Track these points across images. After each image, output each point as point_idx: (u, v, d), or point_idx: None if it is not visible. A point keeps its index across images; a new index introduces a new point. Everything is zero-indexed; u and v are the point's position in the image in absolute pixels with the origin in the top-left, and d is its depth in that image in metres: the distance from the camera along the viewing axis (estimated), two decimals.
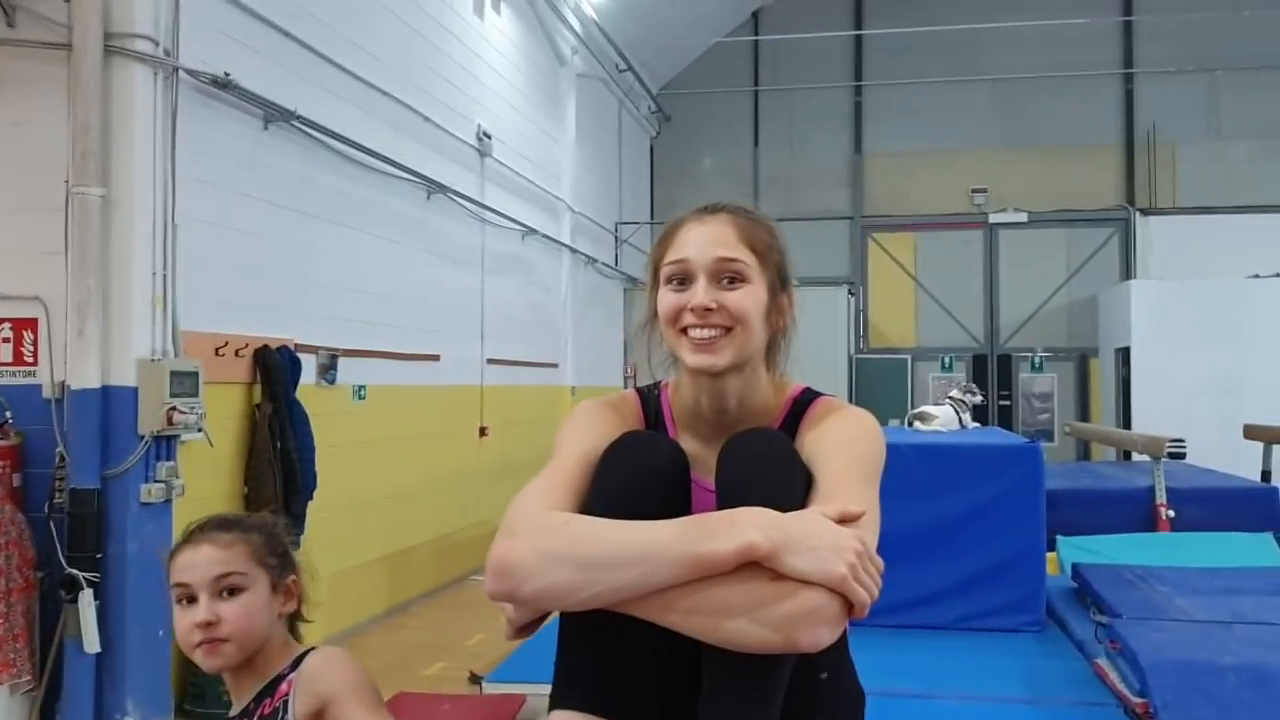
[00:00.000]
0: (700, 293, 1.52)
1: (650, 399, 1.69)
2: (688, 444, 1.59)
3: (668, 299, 1.56)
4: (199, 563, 1.69)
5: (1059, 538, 5.30)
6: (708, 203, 1.63)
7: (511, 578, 1.35)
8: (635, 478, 1.46)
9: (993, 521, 4.33)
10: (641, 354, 1.67)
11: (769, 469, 1.43)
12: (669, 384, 1.69)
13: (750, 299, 1.53)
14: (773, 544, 1.28)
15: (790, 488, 1.42)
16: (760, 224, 1.60)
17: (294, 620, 1.81)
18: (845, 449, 1.49)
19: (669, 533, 1.33)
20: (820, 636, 1.29)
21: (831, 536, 1.30)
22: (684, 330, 1.54)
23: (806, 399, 1.63)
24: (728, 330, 1.52)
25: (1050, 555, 4.94)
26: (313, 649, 1.75)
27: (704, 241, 1.55)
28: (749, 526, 1.30)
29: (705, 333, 1.52)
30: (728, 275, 1.53)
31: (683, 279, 1.55)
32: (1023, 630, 4.32)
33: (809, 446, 1.52)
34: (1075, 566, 4.60)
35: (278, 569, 1.74)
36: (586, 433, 1.57)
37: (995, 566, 4.35)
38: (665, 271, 1.57)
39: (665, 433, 1.64)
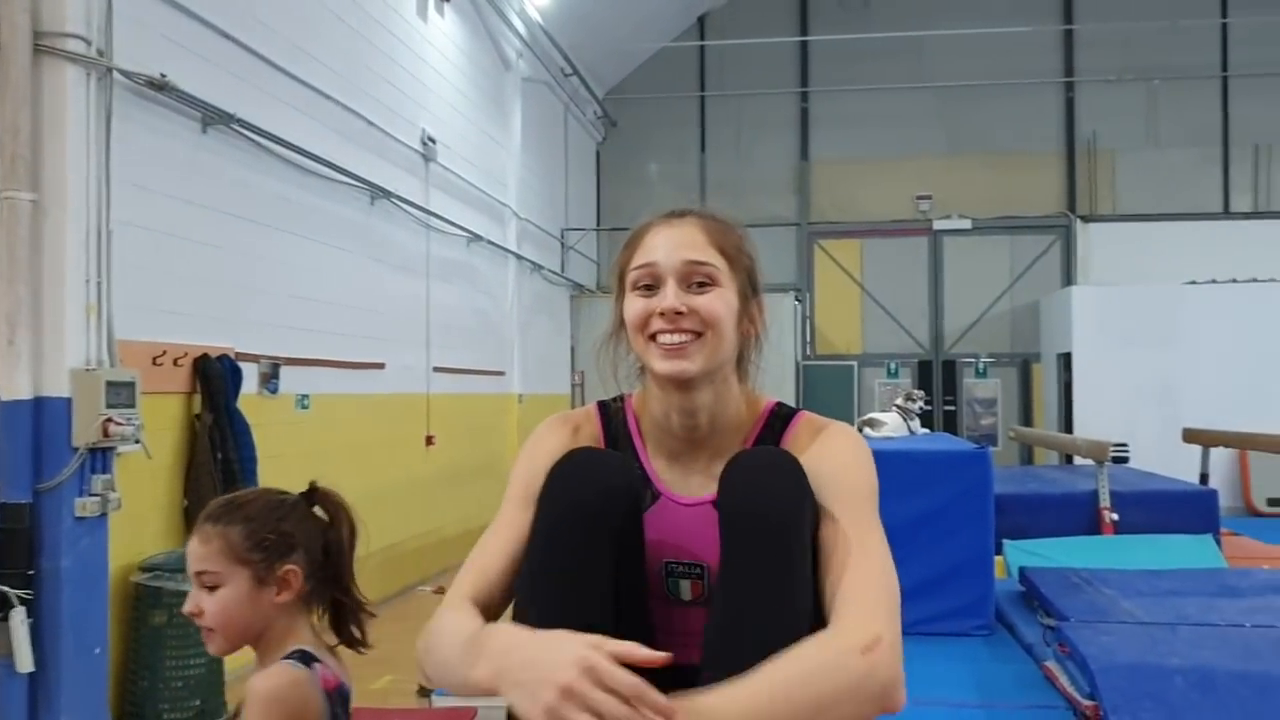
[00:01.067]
0: (669, 296, 1.47)
1: (614, 414, 1.64)
2: (655, 460, 1.59)
3: (635, 305, 1.51)
4: (188, 555, 1.72)
5: (1005, 542, 5.35)
6: (674, 208, 1.59)
7: (421, 666, 1.46)
8: (585, 499, 1.42)
9: (942, 527, 4.35)
10: (607, 367, 1.62)
11: (779, 492, 1.41)
12: (633, 397, 1.65)
13: (721, 302, 1.49)
14: (493, 676, 1.26)
15: (800, 511, 1.40)
16: (730, 229, 1.56)
17: (319, 601, 1.76)
18: (849, 482, 1.47)
19: (461, 653, 1.34)
20: None
21: (544, 668, 1.19)
22: (653, 336, 1.49)
23: (784, 414, 1.60)
24: (698, 335, 1.47)
25: (997, 559, 4.97)
26: (298, 651, 1.68)
27: (672, 244, 1.51)
28: (486, 656, 1.29)
29: (675, 338, 1.47)
30: (698, 279, 1.49)
31: (650, 284, 1.50)
32: (972, 634, 4.35)
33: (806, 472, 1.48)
34: (1022, 570, 4.64)
35: (263, 562, 1.68)
36: (542, 460, 1.52)
37: (945, 572, 4.38)
38: (632, 276, 1.52)
39: (632, 449, 1.60)
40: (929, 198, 13.71)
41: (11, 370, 4.13)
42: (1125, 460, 5.71)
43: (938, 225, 13.69)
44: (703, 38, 14.00)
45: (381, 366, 7.24)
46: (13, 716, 4.10)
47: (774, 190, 14.01)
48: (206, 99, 5.17)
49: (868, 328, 13.94)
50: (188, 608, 1.70)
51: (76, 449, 4.22)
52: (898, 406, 6.39)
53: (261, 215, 5.82)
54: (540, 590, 1.42)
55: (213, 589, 1.68)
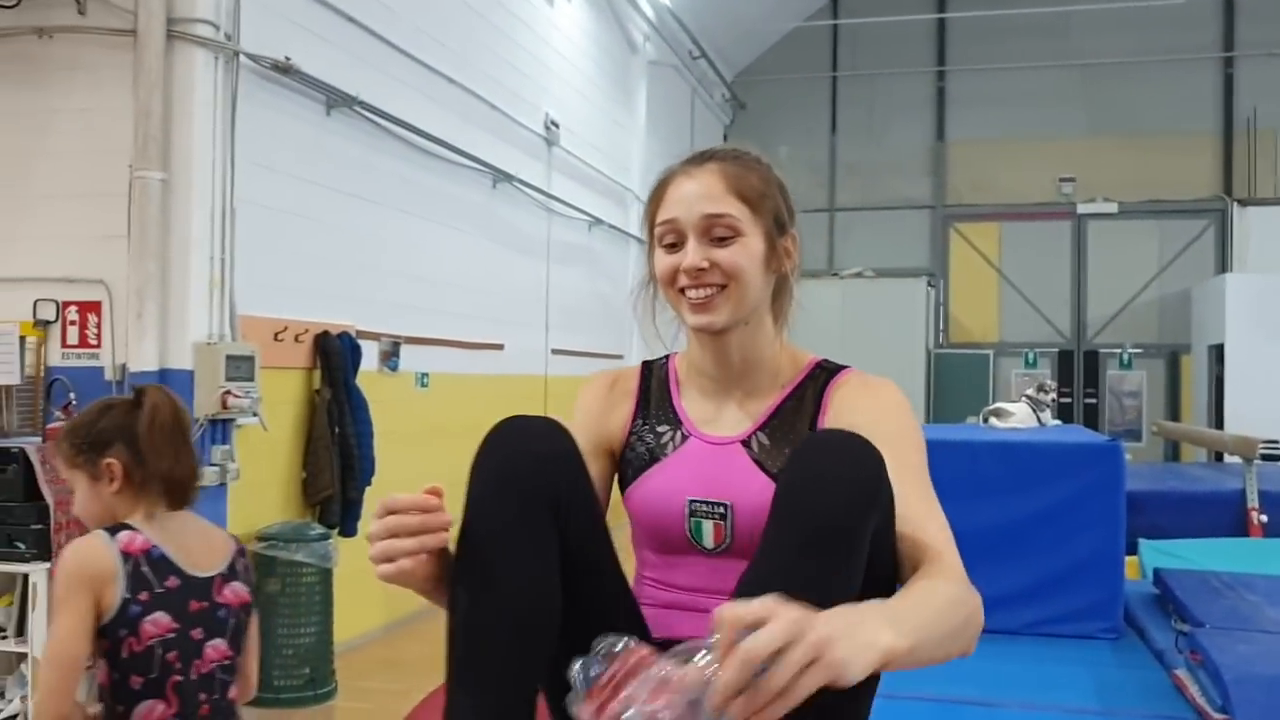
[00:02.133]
0: (691, 253, 1.48)
1: (654, 369, 1.70)
2: (688, 399, 1.62)
3: (663, 261, 1.53)
4: None
5: (1141, 541, 5.12)
6: (699, 149, 1.58)
7: None
8: (512, 468, 1.34)
9: (1069, 523, 4.18)
10: (646, 315, 1.64)
11: (850, 494, 1.25)
12: (678, 355, 1.70)
13: (743, 254, 1.49)
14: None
15: (868, 515, 1.25)
16: (750, 169, 1.53)
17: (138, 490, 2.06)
18: (900, 426, 1.47)
19: None
20: None
21: None
22: (681, 290, 1.51)
23: (831, 368, 1.60)
24: (722, 288, 1.49)
25: (1131, 559, 4.75)
26: (113, 525, 2.03)
27: (691, 198, 1.50)
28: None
29: (701, 292, 1.49)
30: (718, 231, 1.49)
31: (674, 240, 1.51)
32: (1098, 637, 4.15)
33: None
34: (1157, 571, 4.41)
35: (87, 462, 2.05)
36: (579, 417, 1.64)
37: (1070, 570, 4.20)
38: (658, 231, 1.54)
39: (665, 395, 1.65)
40: (1072, 180, 13.14)
41: (139, 343, 4.29)
42: (1278, 458, 5.38)
43: (1081, 209, 13.11)
44: (836, 17, 13.71)
45: (500, 348, 7.30)
46: None
47: (908, 172, 13.64)
48: (330, 81, 5.27)
49: (1005, 315, 13.45)
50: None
51: (197, 420, 4.35)
52: (1027, 397, 6.13)
53: (383, 196, 5.91)
54: (465, 568, 1.32)
55: (73, 492, 2.11)
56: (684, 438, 1.58)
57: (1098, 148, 13.06)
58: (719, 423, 1.58)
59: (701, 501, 1.50)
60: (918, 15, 13.23)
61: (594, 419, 1.63)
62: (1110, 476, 4.27)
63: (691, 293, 1.49)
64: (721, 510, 1.49)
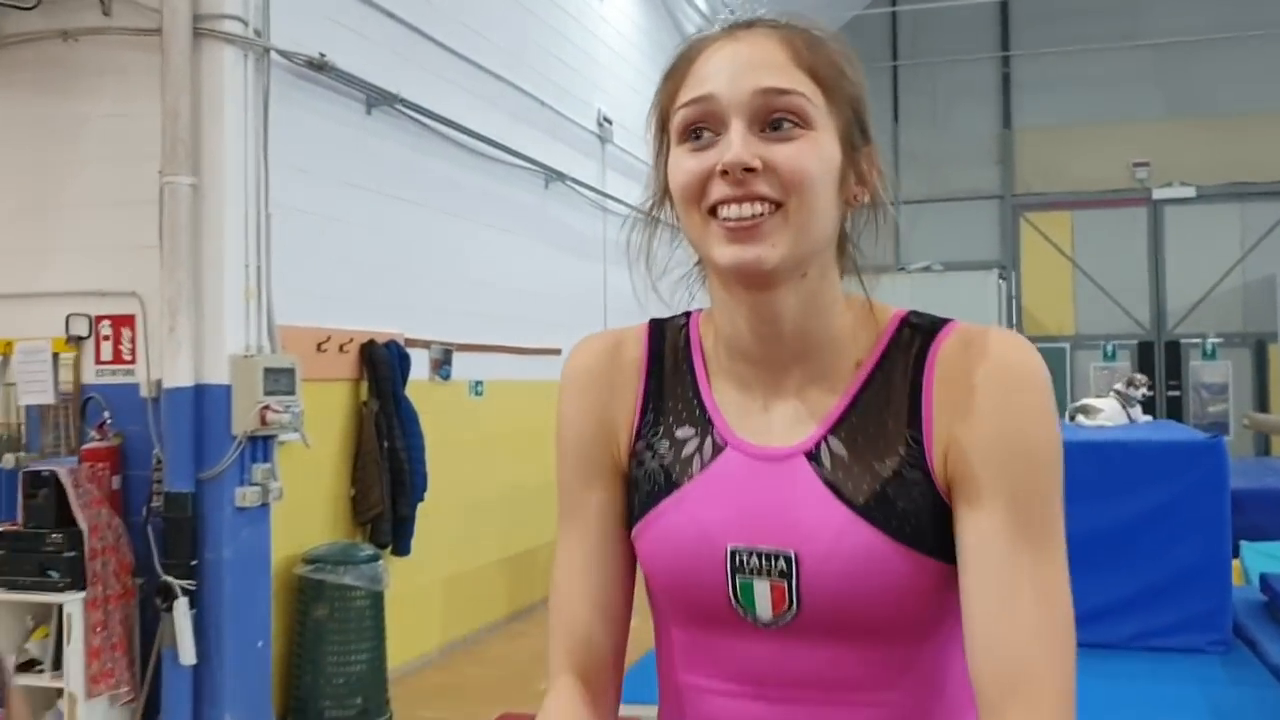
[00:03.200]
0: (736, 143, 0.95)
1: (668, 334, 1.14)
2: (721, 392, 1.08)
3: (684, 163, 0.99)
4: None
5: (1243, 543, 4.87)
6: (742, 15, 1.06)
7: None
8: None
9: (1170, 527, 3.98)
10: (642, 267, 1.12)
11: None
12: (701, 313, 1.16)
13: (813, 154, 0.97)
14: None
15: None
16: (824, 40, 1.03)
17: None
18: (1033, 459, 0.96)
19: None
20: None
21: None
22: (712, 210, 0.97)
23: (926, 325, 1.05)
24: (778, 206, 0.96)
25: (1234, 564, 4.45)
26: None
27: (738, 66, 0.98)
28: None
29: (746, 209, 0.95)
30: (778, 116, 0.97)
31: (706, 126, 0.98)
32: (1206, 651, 3.94)
33: (956, 434, 0.98)
34: (1264, 577, 4.19)
35: None
36: (575, 419, 1.14)
37: (1174, 578, 4.02)
38: (678, 119, 1.00)
39: (689, 377, 1.11)
40: (1147, 165, 12.61)
41: (174, 358, 4.09)
42: None
43: (1157, 194, 12.59)
44: (895, 3, 13.31)
45: (558, 352, 7.05)
46: (178, 709, 4.07)
47: (974, 161, 13.18)
48: (370, 79, 5.05)
49: (1081, 307, 12.95)
50: None
51: (236, 437, 4.14)
52: (1116, 392, 5.76)
53: (429, 198, 5.69)
54: None
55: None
56: (717, 448, 1.06)
57: (1173, 130, 12.54)
58: (769, 424, 1.05)
59: (750, 551, 1.03)
60: None
61: (590, 434, 1.12)
62: (1213, 476, 4.06)
63: (730, 209, 0.95)
64: (784, 564, 1.02)
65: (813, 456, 1.02)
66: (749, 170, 0.94)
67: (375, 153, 5.21)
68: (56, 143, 4.37)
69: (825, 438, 1.02)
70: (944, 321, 1.05)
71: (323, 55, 4.67)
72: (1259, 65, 12.24)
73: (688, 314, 1.16)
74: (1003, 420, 0.96)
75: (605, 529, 1.11)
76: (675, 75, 1.03)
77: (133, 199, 4.25)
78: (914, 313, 1.08)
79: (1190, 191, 12.49)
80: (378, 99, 5.15)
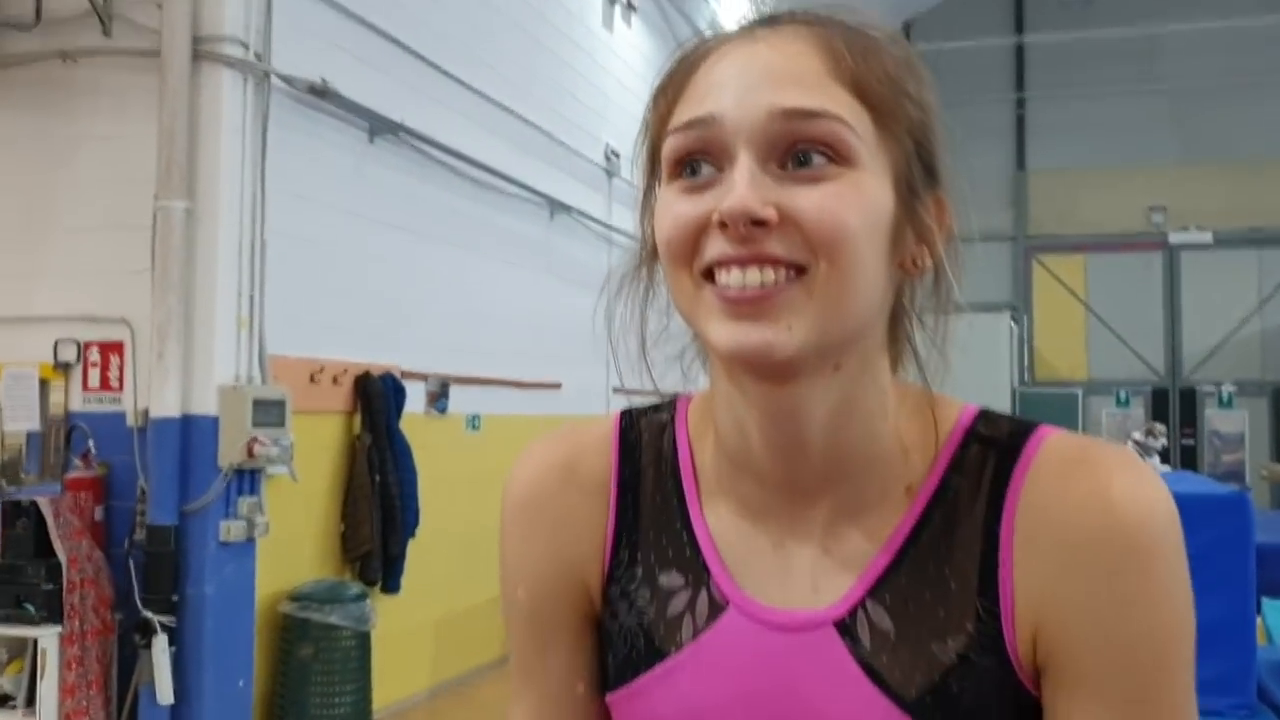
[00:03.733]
0: (741, 185, 0.69)
1: (645, 432, 0.88)
2: (719, 525, 0.82)
3: (673, 208, 0.73)
4: None
5: (1265, 601, 4.65)
6: (765, 11, 0.80)
7: None
8: None
9: (1191, 584, 3.69)
10: (626, 340, 0.85)
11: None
12: (691, 401, 0.89)
13: (853, 202, 0.70)
14: None
15: None
16: (879, 42, 0.75)
17: None
18: (1162, 654, 0.72)
19: None
20: None
21: None
22: (709, 273, 0.71)
23: (1004, 440, 0.77)
24: (801, 272, 0.70)
25: (1257, 622, 4.28)
26: None
27: (752, 77, 0.72)
28: None
29: (753, 275, 0.69)
30: (804, 148, 0.70)
31: (702, 160, 0.73)
32: (1229, 715, 3.67)
33: (1051, 610, 0.72)
34: None
35: None
36: (522, 565, 0.88)
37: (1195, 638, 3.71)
38: (669, 148, 0.74)
39: (675, 503, 0.84)
40: (1163, 209, 12.49)
41: (161, 386, 3.98)
42: None
43: (1173, 239, 12.46)
44: (909, 41, 13.25)
45: (558, 386, 6.93)
46: None
47: (987, 203, 13.08)
48: (373, 106, 4.96)
49: (1094, 351, 12.79)
50: None
51: (222, 470, 4.02)
52: (1135, 442, 5.62)
53: (431, 228, 5.59)
54: None
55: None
56: (715, 606, 0.80)
57: (1189, 175, 12.42)
58: (786, 574, 0.79)
59: None
60: (996, 40, 12.73)
61: (545, 584, 0.86)
62: (1237, 531, 3.83)
63: (731, 274, 0.70)
64: None
65: (846, 628, 0.76)
66: (758, 223, 0.68)
67: (376, 181, 5.12)
68: (51, 164, 4.29)
69: (864, 601, 0.76)
70: (1026, 431, 0.76)
71: (325, 81, 4.59)
72: (1276, 111, 12.14)
73: (673, 402, 0.89)
74: (1120, 597, 0.71)
75: (571, 697, 0.86)
76: (671, 88, 0.78)
77: (126, 223, 4.15)
78: (985, 415, 0.79)
79: (1207, 237, 12.35)
80: (380, 127, 5.06)
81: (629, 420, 0.88)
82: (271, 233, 4.30)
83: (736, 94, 0.71)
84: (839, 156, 0.70)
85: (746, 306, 0.68)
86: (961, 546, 0.74)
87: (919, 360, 0.80)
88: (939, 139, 0.77)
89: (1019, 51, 13.00)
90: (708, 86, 0.72)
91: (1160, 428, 5.57)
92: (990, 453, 0.76)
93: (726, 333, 0.69)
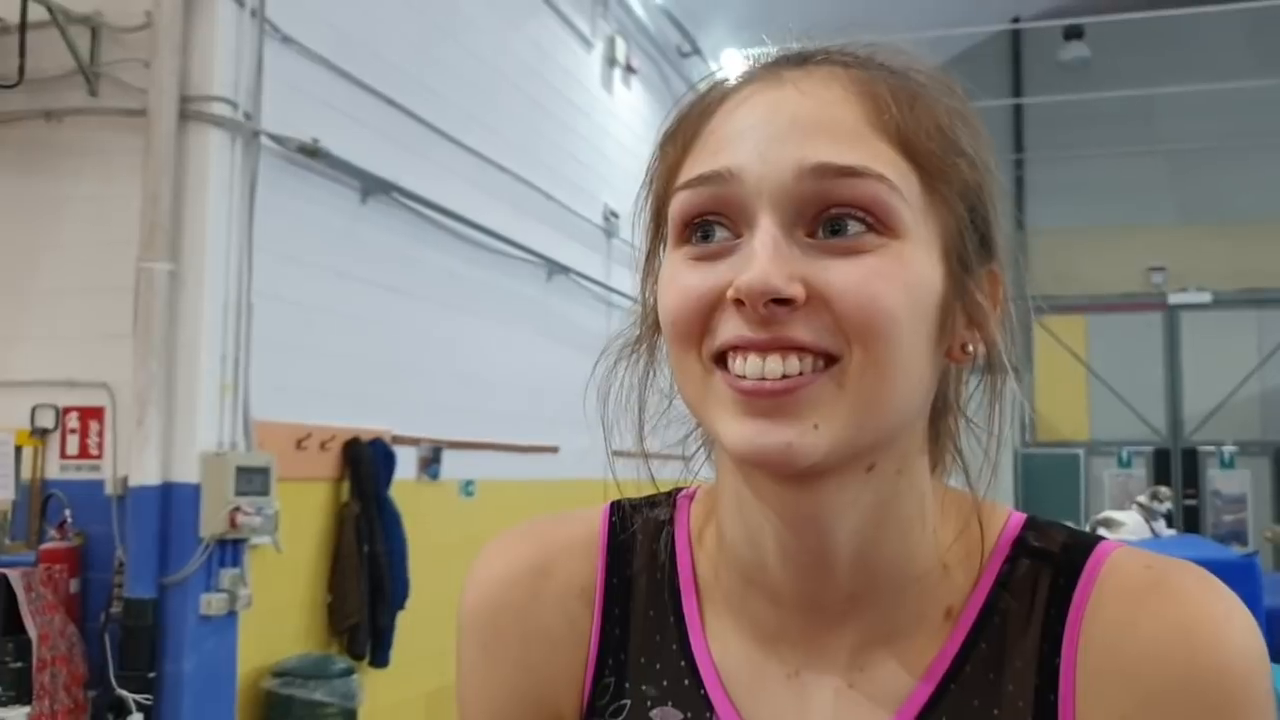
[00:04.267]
0: (762, 257, 0.58)
1: (639, 533, 0.75)
2: (735, 642, 0.69)
3: (680, 278, 0.62)
4: None
5: (1274, 666, 4.45)
6: (790, 48, 0.67)
7: None
8: None
9: None
10: (621, 426, 0.73)
11: None
12: (694, 497, 0.76)
13: (896, 279, 0.59)
14: None
15: None
16: (928, 89, 0.64)
17: None
18: None
19: None
20: None
21: None
22: (720, 358, 0.60)
23: (1057, 557, 0.66)
24: (831, 360, 0.59)
25: None
26: None
27: (778, 127, 0.60)
28: None
29: (774, 364, 0.58)
30: (839, 214, 0.59)
31: (716, 223, 0.62)
32: None
33: None
34: None
35: None
36: (481, 694, 0.74)
37: None
38: (676, 207, 0.63)
39: (672, 619, 0.71)
40: (1162, 269, 12.45)
41: (140, 453, 3.84)
42: None
43: (1173, 299, 12.40)
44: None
45: (555, 450, 6.78)
46: None
47: None
48: (366, 166, 4.88)
49: (1095, 412, 12.67)
50: None
51: (203, 540, 3.87)
52: (1139, 504, 5.49)
53: (425, 290, 5.48)
54: None
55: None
56: None
57: (1189, 236, 12.40)
58: (804, 712, 0.66)
59: None
60: (993, 101, 12.77)
61: (522, 674, 0.73)
62: (1248, 597, 3.62)
63: (748, 362, 0.59)
64: None
65: None
66: (782, 302, 0.57)
67: (368, 242, 5.02)
68: (33, 225, 4.18)
69: None
70: (1085, 545, 0.65)
71: (316, 140, 4.50)
72: (1274, 172, 12.15)
73: (673, 496, 0.76)
74: None
75: None
76: (681, 134, 0.66)
77: (108, 285, 4.04)
78: (1034, 523, 0.67)
79: (1206, 297, 12.30)
80: (373, 187, 4.97)
81: (619, 516, 0.75)
82: (258, 295, 4.19)
83: (759, 146, 0.60)
84: (880, 224, 0.59)
85: (765, 400, 0.58)
86: (1014, 680, 0.63)
87: (964, 463, 0.69)
88: (996, 204, 0.67)
89: (1017, 112, 13.05)
90: (725, 135, 0.62)
91: (1166, 491, 5.45)
92: (1044, 569, 0.65)
93: (740, 431, 0.59)
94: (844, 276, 0.58)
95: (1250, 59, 11.96)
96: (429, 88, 5.50)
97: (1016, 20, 12.70)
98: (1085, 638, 0.62)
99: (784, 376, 0.58)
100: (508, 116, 6.38)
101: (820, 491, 0.61)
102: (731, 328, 0.59)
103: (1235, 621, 0.61)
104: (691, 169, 0.63)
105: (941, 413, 0.68)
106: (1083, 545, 0.65)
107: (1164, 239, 12.49)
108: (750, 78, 0.65)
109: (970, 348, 0.66)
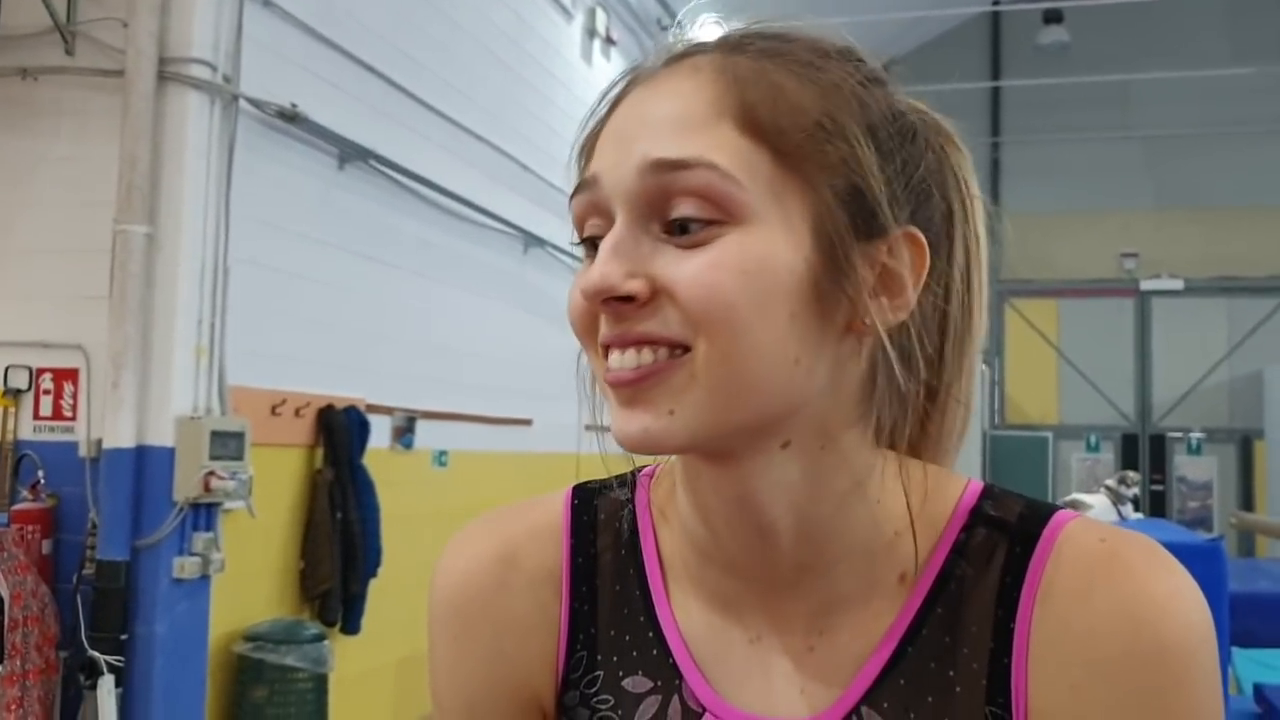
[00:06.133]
0: (600, 257, 0.62)
1: (601, 514, 0.77)
2: (697, 611, 0.72)
3: (576, 282, 0.65)
4: None
5: (1234, 650, 4.62)
6: (680, 40, 0.69)
7: None
8: None
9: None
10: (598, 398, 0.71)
11: None
12: (653, 476, 0.78)
13: (735, 267, 0.60)
14: None
15: None
16: (795, 56, 0.64)
17: None
18: None
19: None
20: None
21: None
22: (606, 350, 0.64)
23: (1013, 526, 0.67)
24: (682, 351, 0.61)
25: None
26: None
27: (630, 128, 0.64)
28: None
29: (629, 357, 0.62)
30: (680, 209, 0.61)
31: (597, 230, 0.65)
32: None
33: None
34: (1259, 687, 3.98)
35: None
36: (454, 680, 0.76)
37: None
38: (572, 215, 0.68)
39: (638, 593, 0.73)
40: (1135, 255, 12.56)
41: (114, 416, 3.83)
42: None
43: (1145, 285, 12.52)
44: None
45: (529, 423, 6.81)
46: None
47: None
48: (344, 133, 4.86)
49: (1065, 396, 12.80)
50: None
51: (177, 504, 3.87)
52: (1107, 488, 5.57)
53: (401, 259, 5.48)
54: None
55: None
56: (690, 716, 0.69)
57: (1162, 222, 12.51)
58: (766, 674, 0.69)
59: None
60: (971, 84, 12.81)
61: (483, 702, 0.75)
62: (1211, 582, 3.76)
63: (611, 359, 0.63)
64: None
65: None
66: (623, 299, 0.60)
67: (345, 209, 5.01)
68: (8, 184, 4.15)
69: (859, 708, 0.66)
70: (1041, 515, 0.67)
71: (294, 106, 4.48)
72: (1248, 160, 12.26)
73: (633, 476, 0.77)
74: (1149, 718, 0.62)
75: None
76: (586, 142, 0.69)
77: (84, 246, 4.01)
78: (991, 492, 0.69)
79: (1178, 284, 12.42)
80: (350, 153, 4.96)
81: (582, 498, 0.77)
82: (235, 260, 4.18)
83: (615, 149, 0.63)
84: (721, 212, 0.60)
85: (626, 390, 0.62)
86: (968, 644, 0.65)
87: (894, 431, 0.67)
88: (880, 172, 0.63)
89: (995, 95, 13.10)
90: (600, 142, 0.65)
91: (1134, 475, 5.54)
92: (1000, 537, 0.66)
93: (613, 420, 0.63)
94: (684, 270, 0.60)
95: (1227, 47, 12.06)
96: (409, 55, 5.48)
97: (997, 3, 12.74)
98: (1040, 606, 0.64)
99: (637, 368, 0.61)
100: (486, 86, 6.36)
101: (740, 469, 0.64)
102: (604, 326, 0.63)
103: (1182, 597, 0.62)
104: (578, 177, 0.67)
105: (873, 378, 0.66)
106: (1039, 515, 0.67)
107: (1137, 225, 12.59)
108: (634, 82, 0.67)
109: (869, 320, 0.63)
